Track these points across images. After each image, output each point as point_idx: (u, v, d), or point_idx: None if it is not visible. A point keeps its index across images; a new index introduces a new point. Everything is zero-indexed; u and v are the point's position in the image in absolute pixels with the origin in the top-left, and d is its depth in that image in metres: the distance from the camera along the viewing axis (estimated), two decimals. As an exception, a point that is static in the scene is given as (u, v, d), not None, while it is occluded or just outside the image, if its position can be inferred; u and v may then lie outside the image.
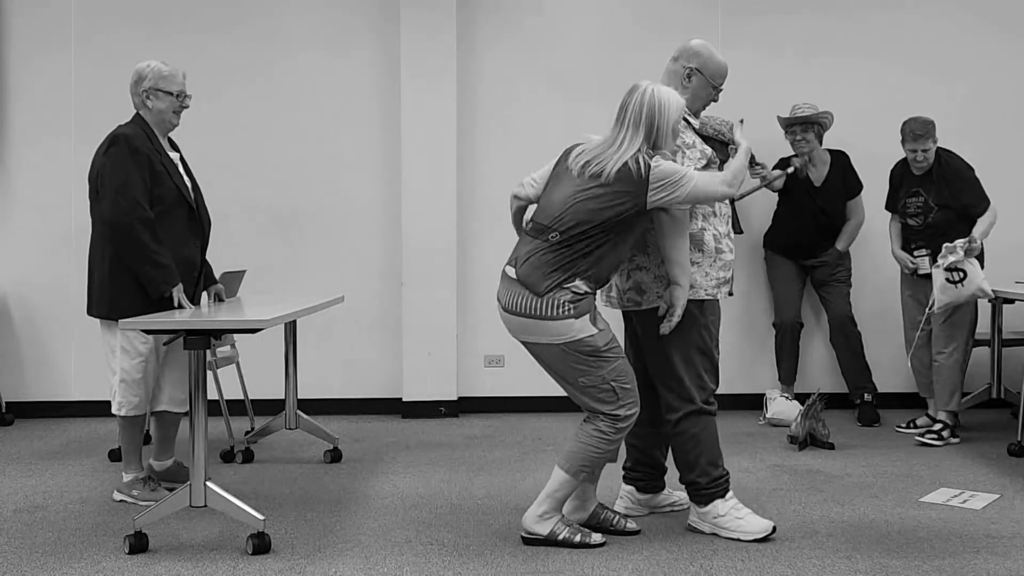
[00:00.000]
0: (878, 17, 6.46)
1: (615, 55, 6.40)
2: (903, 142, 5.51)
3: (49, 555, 3.63)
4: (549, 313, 3.53)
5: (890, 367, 6.38)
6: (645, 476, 4.06)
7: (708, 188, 3.59)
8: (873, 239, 6.40)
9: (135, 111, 4.34)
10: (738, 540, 3.72)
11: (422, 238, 6.29)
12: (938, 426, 5.41)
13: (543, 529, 3.67)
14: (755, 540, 3.71)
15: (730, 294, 3.90)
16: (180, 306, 4.14)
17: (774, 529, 3.75)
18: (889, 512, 4.13)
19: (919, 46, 6.46)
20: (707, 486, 3.78)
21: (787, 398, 6.08)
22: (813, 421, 5.32)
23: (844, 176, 6.04)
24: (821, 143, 6.07)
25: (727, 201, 3.81)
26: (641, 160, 3.51)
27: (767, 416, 5.99)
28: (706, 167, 3.72)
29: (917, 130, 5.43)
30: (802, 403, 5.65)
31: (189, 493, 3.66)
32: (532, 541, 3.69)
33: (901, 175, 5.67)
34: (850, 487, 4.53)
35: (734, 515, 3.76)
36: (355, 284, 6.36)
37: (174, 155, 4.38)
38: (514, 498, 4.35)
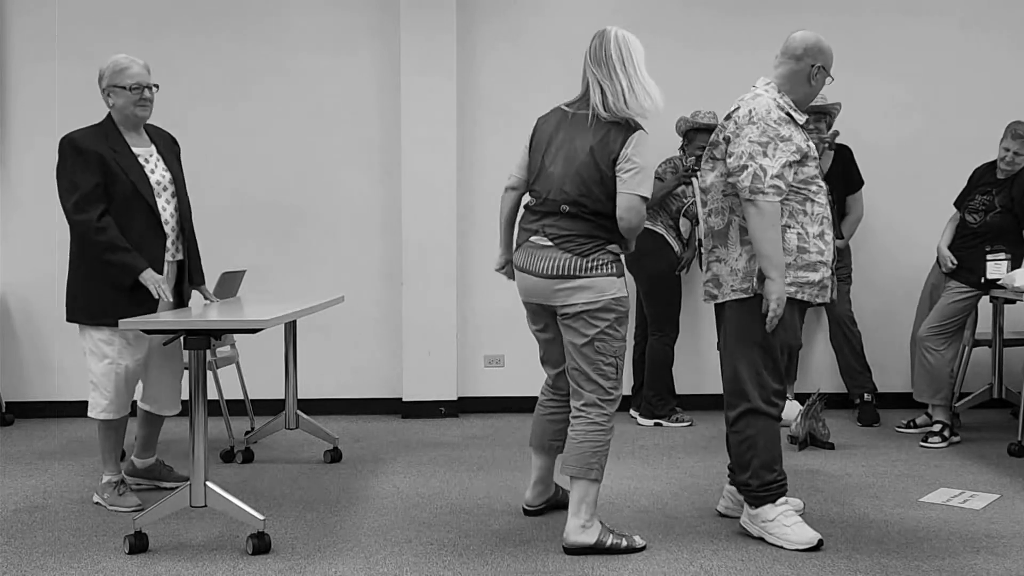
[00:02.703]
0: (882, 17, 6.45)
1: (615, 55, 6.39)
2: (1002, 139, 5.50)
3: (49, 555, 3.63)
4: (596, 271, 3.62)
5: (890, 367, 6.38)
6: None
7: (649, 183, 3.67)
8: (875, 238, 6.40)
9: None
10: (781, 548, 3.64)
11: (422, 238, 6.29)
12: (937, 427, 5.41)
13: (590, 538, 3.60)
14: (801, 551, 3.61)
15: (832, 301, 3.83)
16: (158, 296, 4.02)
17: (820, 543, 3.64)
18: (889, 512, 4.13)
19: (921, 47, 6.46)
20: (757, 489, 3.71)
21: (787, 398, 6.07)
22: (813, 421, 5.31)
23: (845, 171, 6.03)
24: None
25: (823, 201, 3.71)
26: (631, 122, 3.63)
27: (767, 416, 5.97)
28: (800, 162, 3.64)
29: (1020, 131, 5.42)
30: (802, 403, 5.65)
31: (189, 493, 3.66)
32: (578, 552, 3.60)
33: (981, 176, 5.65)
34: (850, 487, 4.52)
35: (782, 522, 3.68)
36: (355, 284, 6.36)
37: (145, 149, 4.23)
38: (514, 498, 4.35)
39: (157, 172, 4.22)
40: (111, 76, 4.18)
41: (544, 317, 3.83)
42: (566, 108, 3.76)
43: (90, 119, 6.15)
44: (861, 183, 6.07)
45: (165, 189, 4.23)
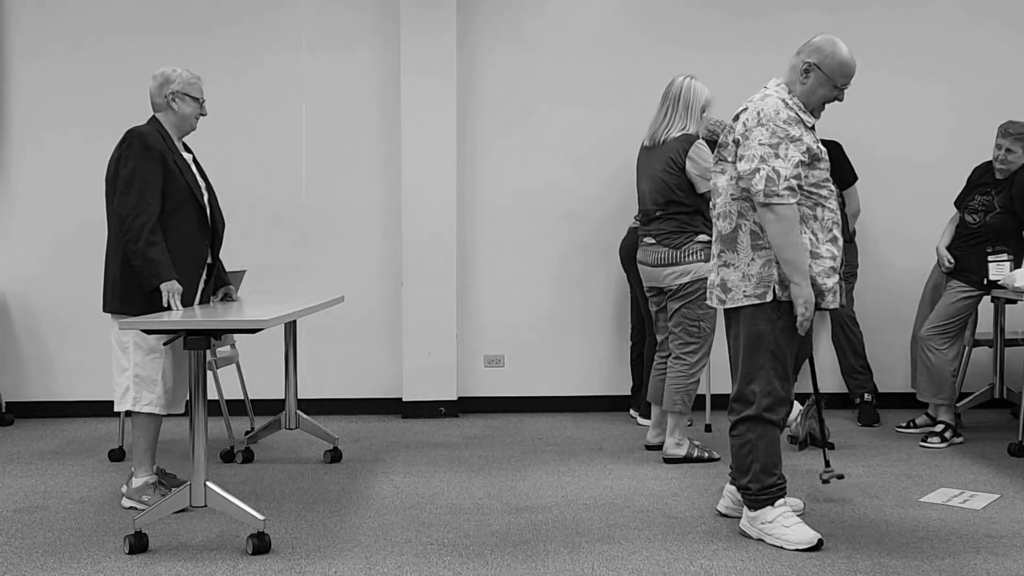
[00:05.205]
0: (882, 15, 6.45)
1: (615, 56, 6.40)
2: (996, 138, 5.52)
3: (49, 555, 3.63)
4: (684, 259, 4.90)
5: (890, 367, 6.38)
6: None
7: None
8: (876, 239, 6.40)
9: (152, 113, 4.33)
10: (781, 548, 3.64)
11: (422, 238, 6.29)
12: (939, 427, 5.41)
13: (681, 452, 4.95)
14: (801, 551, 3.62)
15: (842, 306, 3.82)
16: (168, 305, 4.06)
17: (820, 543, 3.64)
18: (889, 512, 4.13)
19: (922, 45, 6.46)
20: (757, 493, 3.71)
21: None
22: (813, 421, 5.31)
23: (836, 167, 6.02)
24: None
25: (834, 206, 3.70)
26: (686, 139, 4.89)
27: (767, 416, 5.98)
28: (811, 164, 3.61)
29: (1011, 129, 5.45)
30: (802, 403, 5.65)
31: (189, 493, 3.66)
32: (672, 461, 4.95)
33: (980, 175, 5.66)
34: (850, 487, 4.53)
35: (781, 523, 3.68)
36: (355, 284, 6.36)
37: (187, 156, 4.38)
38: (514, 498, 4.35)
39: (198, 178, 4.37)
40: (184, 84, 4.31)
41: (658, 296, 5.10)
42: (646, 142, 5.10)
43: (89, 117, 6.20)
44: (854, 179, 6.06)
45: (202, 196, 4.35)
